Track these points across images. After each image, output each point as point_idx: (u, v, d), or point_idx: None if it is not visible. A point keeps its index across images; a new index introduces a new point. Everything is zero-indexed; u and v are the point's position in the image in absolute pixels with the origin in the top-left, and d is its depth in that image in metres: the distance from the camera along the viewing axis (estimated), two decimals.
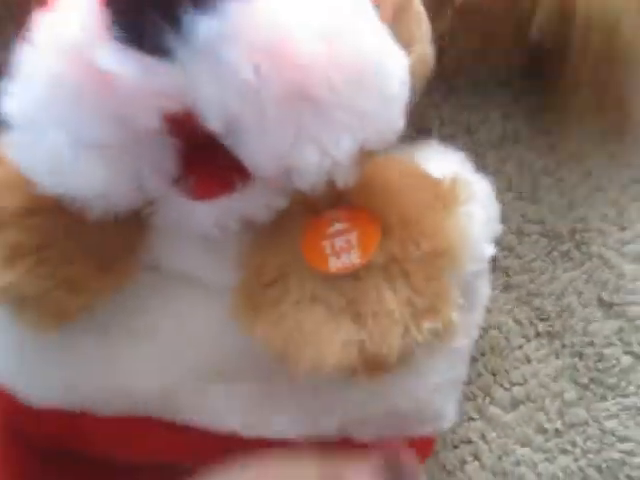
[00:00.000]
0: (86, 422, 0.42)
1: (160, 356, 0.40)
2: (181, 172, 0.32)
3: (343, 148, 0.31)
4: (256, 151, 0.31)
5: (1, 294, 0.37)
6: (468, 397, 0.50)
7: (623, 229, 0.49)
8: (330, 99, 0.30)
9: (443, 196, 0.37)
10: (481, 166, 0.41)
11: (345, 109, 0.31)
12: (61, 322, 0.38)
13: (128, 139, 0.31)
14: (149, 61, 0.29)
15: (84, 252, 0.37)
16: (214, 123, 0.29)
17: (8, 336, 0.43)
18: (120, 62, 0.29)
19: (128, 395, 0.40)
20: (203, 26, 0.28)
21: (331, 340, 0.34)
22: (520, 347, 0.50)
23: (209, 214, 0.35)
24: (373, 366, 0.35)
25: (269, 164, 0.31)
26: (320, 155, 0.31)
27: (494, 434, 0.50)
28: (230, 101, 0.29)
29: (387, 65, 0.32)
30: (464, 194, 0.37)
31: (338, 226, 0.36)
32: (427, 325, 0.34)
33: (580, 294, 0.50)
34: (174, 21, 0.28)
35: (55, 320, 0.38)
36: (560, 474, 0.49)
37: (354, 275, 0.35)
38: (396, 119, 0.33)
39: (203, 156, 0.32)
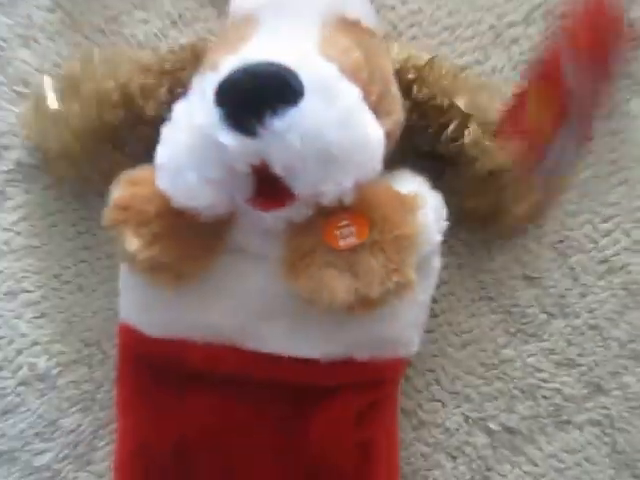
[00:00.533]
0: (187, 347, 0.60)
1: (235, 304, 0.59)
2: (256, 194, 0.54)
3: (347, 183, 0.53)
4: (300, 184, 0.52)
5: (143, 264, 0.57)
6: (432, 340, 0.71)
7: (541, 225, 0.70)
8: (342, 158, 0.52)
9: (408, 204, 0.57)
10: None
11: (349, 163, 0.52)
12: (176, 283, 0.58)
13: (229, 177, 0.53)
14: (244, 138, 0.50)
15: (194, 239, 0.57)
16: (278, 169, 0.51)
17: (136, 291, 0.63)
18: (229, 137, 0.51)
19: (215, 329, 0.60)
20: (274, 122, 0.49)
21: (339, 287, 0.54)
22: (467, 307, 0.71)
23: (269, 219, 0.56)
24: (364, 304, 0.54)
25: (307, 192, 0.53)
26: (335, 187, 0.52)
27: (450, 366, 0.71)
28: (287, 159, 0.51)
29: (372, 136, 0.53)
30: (421, 202, 0.57)
31: (344, 222, 0.55)
32: (395, 279, 0.54)
33: (509, 270, 0.70)
34: (259, 118, 0.50)
35: (173, 281, 0.58)
36: (495, 394, 0.70)
37: (352, 250, 0.55)
38: (377, 165, 0.54)
39: (268, 186, 0.53)
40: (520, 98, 0.67)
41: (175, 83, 0.68)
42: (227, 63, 0.55)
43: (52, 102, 0.68)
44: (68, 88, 0.69)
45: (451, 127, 0.64)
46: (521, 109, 0.66)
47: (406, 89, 0.65)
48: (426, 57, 0.66)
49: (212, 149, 0.53)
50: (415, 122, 0.65)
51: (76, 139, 0.67)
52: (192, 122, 0.54)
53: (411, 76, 0.65)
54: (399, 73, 0.65)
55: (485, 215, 0.68)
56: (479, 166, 0.64)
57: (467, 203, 0.66)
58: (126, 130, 0.67)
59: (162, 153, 0.56)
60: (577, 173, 0.71)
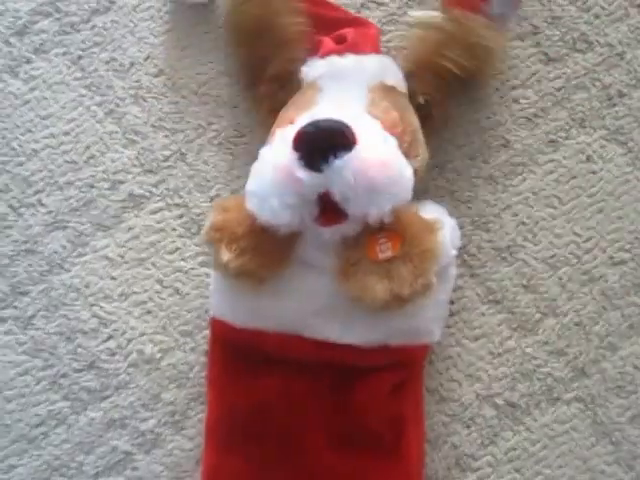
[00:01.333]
0: (263, 335, 0.72)
1: (300, 302, 0.71)
2: (319, 214, 0.66)
3: (386, 208, 0.65)
4: (352, 208, 0.64)
5: (233, 271, 0.68)
6: (450, 333, 0.80)
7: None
8: (383, 189, 0.64)
9: (430, 226, 0.69)
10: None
11: (388, 193, 0.65)
12: (257, 286, 0.70)
13: (302, 202, 0.65)
14: (313, 174, 0.64)
15: (271, 253, 0.69)
16: (337, 197, 0.64)
17: (226, 293, 0.73)
18: (302, 173, 0.64)
19: (284, 321, 0.71)
20: (335, 163, 0.63)
21: (378, 289, 0.66)
22: (478, 307, 0.80)
23: (328, 233, 0.68)
24: (397, 301, 0.66)
25: (357, 213, 0.65)
26: (377, 210, 0.65)
27: (464, 354, 0.80)
28: (344, 189, 0.64)
29: (405, 174, 0.66)
30: (440, 225, 0.69)
31: (382, 240, 0.67)
32: (421, 282, 0.66)
33: (511, 279, 0.80)
34: (325, 159, 0.63)
35: (254, 283, 0.69)
36: (501, 376, 0.79)
37: (389, 260, 0.66)
38: (408, 195, 0.67)
39: (329, 208, 0.65)
40: None
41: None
42: (301, 119, 0.67)
43: None
44: None
45: None
46: None
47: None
48: None
49: (290, 181, 0.64)
50: None
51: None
52: (276, 161, 0.66)
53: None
54: None
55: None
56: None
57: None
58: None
59: (252, 183, 0.68)
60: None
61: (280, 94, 0.78)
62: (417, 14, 0.82)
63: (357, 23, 0.82)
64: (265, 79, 0.79)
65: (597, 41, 0.84)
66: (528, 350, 0.81)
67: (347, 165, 0.63)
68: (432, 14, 0.80)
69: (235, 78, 0.85)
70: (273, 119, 0.77)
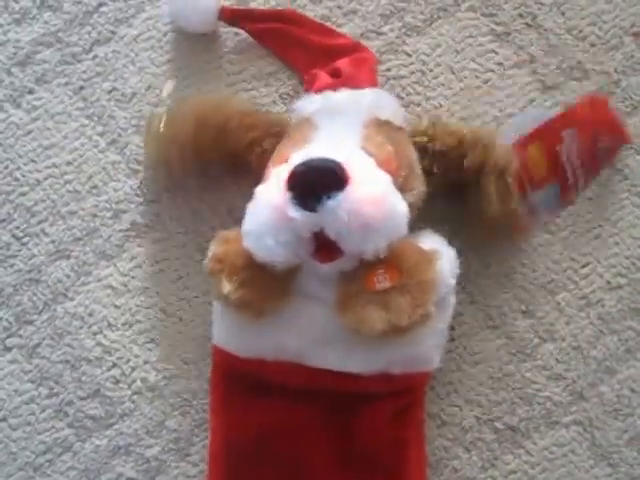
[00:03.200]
0: (264, 364, 0.71)
1: (301, 332, 0.70)
2: (315, 252, 0.66)
3: (381, 244, 0.65)
4: (347, 245, 0.65)
5: (234, 302, 0.68)
6: (450, 359, 0.80)
7: None
8: (377, 227, 0.64)
9: (428, 256, 0.68)
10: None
11: (382, 230, 0.65)
12: (258, 317, 0.69)
13: (296, 240, 0.65)
14: (307, 213, 0.63)
15: (271, 284, 0.68)
16: (331, 235, 0.64)
17: (227, 323, 0.74)
18: (296, 213, 0.63)
19: (285, 351, 0.71)
20: (328, 202, 0.63)
21: (376, 320, 0.65)
22: (478, 333, 0.81)
23: (325, 268, 0.67)
24: (395, 331, 0.65)
25: (352, 250, 0.65)
26: (373, 247, 0.65)
27: (465, 379, 0.81)
28: (338, 228, 0.64)
29: (399, 210, 0.67)
30: (438, 255, 0.69)
31: (380, 271, 0.66)
32: (419, 312, 0.66)
33: (510, 305, 0.81)
34: (318, 199, 0.63)
35: (255, 316, 0.69)
36: (500, 400, 0.80)
37: (386, 291, 0.66)
38: (403, 230, 0.67)
39: (325, 246, 0.65)
40: (526, 139, 0.78)
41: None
42: (294, 158, 0.68)
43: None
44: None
45: (469, 157, 0.75)
46: (524, 147, 0.78)
47: (422, 151, 0.76)
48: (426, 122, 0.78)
49: (284, 220, 0.65)
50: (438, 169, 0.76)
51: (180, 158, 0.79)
52: (270, 201, 0.66)
53: (424, 139, 0.76)
54: (422, 133, 0.77)
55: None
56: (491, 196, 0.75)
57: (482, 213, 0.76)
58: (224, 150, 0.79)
59: (247, 223, 0.69)
60: (554, 226, 0.82)
61: (266, 153, 0.78)
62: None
63: (354, 50, 0.83)
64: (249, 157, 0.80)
65: (593, 69, 0.85)
66: (527, 374, 0.82)
67: (340, 205, 0.64)
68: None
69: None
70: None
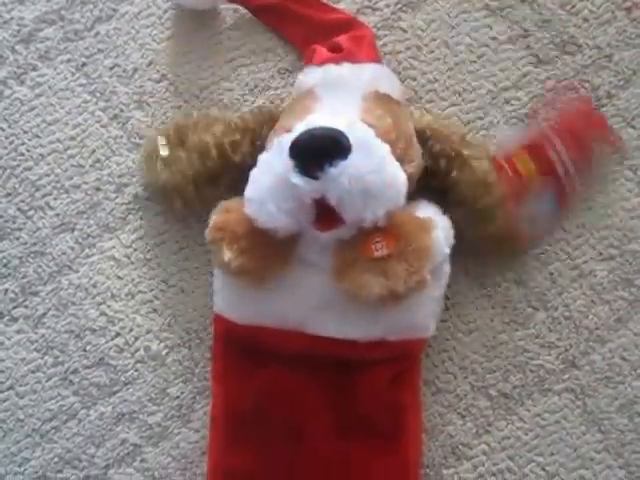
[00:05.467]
0: (264, 332, 0.73)
1: (299, 299, 0.72)
2: (316, 219, 0.68)
3: (380, 212, 0.67)
4: (348, 213, 0.67)
5: (234, 270, 0.69)
6: (445, 327, 0.82)
7: None
8: (377, 194, 0.66)
9: (424, 225, 0.70)
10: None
11: (382, 198, 0.67)
12: (258, 284, 0.71)
13: (298, 207, 0.67)
14: (309, 180, 0.66)
15: (271, 252, 0.70)
16: (332, 202, 0.66)
17: (228, 291, 0.75)
18: (299, 180, 0.66)
19: (284, 318, 0.73)
20: (330, 169, 0.65)
21: (374, 285, 0.67)
22: (472, 302, 0.82)
23: (325, 236, 0.69)
24: (393, 297, 0.67)
25: (352, 218, 0.67)
26: (372, 215, 0.67)
27: (459, 347, 0.82)
28: (339, 195, 0.65)
29: (398, 179, 0.68)
30: (433, 224, 0.70)
31: (378, 239, 0.68)
32: (415, 278, 0.67)
33: (504, 275, 0.82)
34: (320, 167, 0.65)
35: (255, 283, 0.71)
36: (494, 368, 0.81)
37: (383, 259, 0.68)
38: (402, 199, 0.69)
39: (325, 212, 0.67)
40: (517, 151, 0.79)
41: (255, 137, 0.80)
42: (297, 127, 0.69)
43: (163, 151, 0.80)
44: (175, 140, 0.81)
45: (454, 172, 0.77)
46: (514, 157, 0.79)
47: (423, 142, 0.78)
48: (438, 123, 0.80)
49: (287, 187, 0.67)
50: (428, 164, 0.78)
51: (183, 178, 0.79)
52: (272, 169, 0.68)
53: (428, 133, 0.78)
54: (419, 132, 0.78)
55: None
56: (471, 201, 0.76)
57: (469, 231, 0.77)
58: (220, 172, 0.80)
59: (250, 189, 0.70)
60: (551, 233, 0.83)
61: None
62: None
63: (352, 26, 0.84)
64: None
65: (586, 43, 0.86)
66: (520, 343, 0.83)
67: (342, 172, 0.66)
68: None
69: (235, 83, 0.88)
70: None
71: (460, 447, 0.83)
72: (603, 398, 0.82)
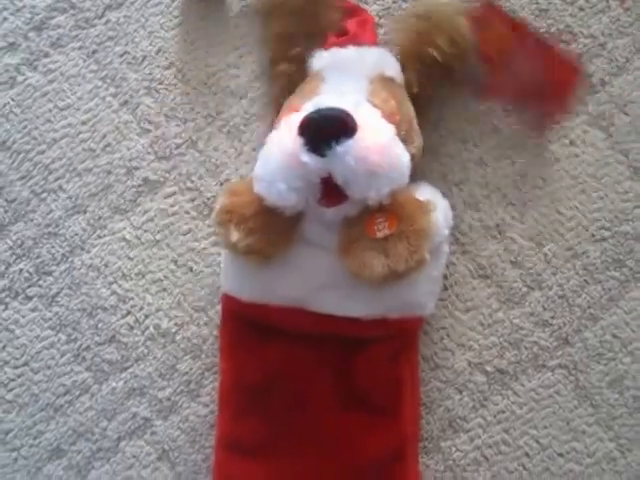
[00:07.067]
0: (269, 309, 0.75)
1: (303, 278, 0.74)
2: (321, 196, 0.69)
3: (384, 191, 0.68)
4: (353, 190, 0.68)
5: (241, 250, 0.71)
6: (444, 306, 0.84)
7: None
8: (381, 173, 0.67)
9: (424, 207, 0.71)
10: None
11: (386, 177, 0.68)
12: (264, 263, 0.73)
13: (306, 185, 0.68)
14: (317, 158, 0.67)
15: (276, 232, 0.72)
16: (338, 180, 0.67)
17: (235, 270, 0.77)
18: (307, 157, 0.67)
19: (289, 296, 0.74)
20: (337, 148, 0.66)
21: (376, 264, 0.69)
22: (469, 282, 0.84)
23: (330, 214, 0.71)
24: (393, 276, 0.69)
25: (357, 195, 0.68)
26: (376, 193, 0.68)
27: (457, 325, 0.84)
28: (345, 173, 0.67)
29: (402, 159, 0.70)
30: (433, 206, 0.72)
31: (380, 219, 0.70)
32: (415, 257, 0.69)
33: (500, 256, 0.84)
34: (328, 145, 0.66)
35: (261, 261, 0.73)
36: (490, 345, 0.83)
37: (385, 238, 0.69)
38: (405, 178, 0.70)
39: (331, 190, 0.68)
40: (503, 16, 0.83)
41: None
42: (306, 107, 0.70)
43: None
44: None
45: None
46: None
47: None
48: None
49: (296, 165, 0.68)
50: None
51: None
52: (282, 147, 0.69)
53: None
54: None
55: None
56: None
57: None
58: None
59: (260, 167, 0.71)
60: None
61: (297, 75, 0.80)
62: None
63: (355, 13, 0.86)
64: (288, 58, 0.82)
65: (581, 32, 0.88)
66: (515, 321, 0.85)
67: (348, 150, 0.67)
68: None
69: (242, 70, 0.89)
70: (283, 99, 0.81)
71: (457, 420, 0.85)
72: (595, 374, 0.84)
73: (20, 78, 0.91)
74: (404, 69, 0.81)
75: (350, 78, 0.77)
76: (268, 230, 0.72)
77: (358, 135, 0.67)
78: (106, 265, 0.88)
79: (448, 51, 0.79)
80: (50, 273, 0.89)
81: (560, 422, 0.84)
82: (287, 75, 0.81)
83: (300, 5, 0.79)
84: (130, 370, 0.87)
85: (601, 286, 0.85)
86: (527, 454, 0.85)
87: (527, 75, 0.82)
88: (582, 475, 0.84)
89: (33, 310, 0.89)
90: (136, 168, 0.89)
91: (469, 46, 0.80)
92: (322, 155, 0.67)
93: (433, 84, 0.82)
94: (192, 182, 0.89)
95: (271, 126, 0.79)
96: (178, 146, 0.89)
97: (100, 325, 0.88)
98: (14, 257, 0.90)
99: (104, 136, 0.90)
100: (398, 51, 0.81)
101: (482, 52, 0.81)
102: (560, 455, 0.84)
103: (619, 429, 0.84)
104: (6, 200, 0.90)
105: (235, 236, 0.72)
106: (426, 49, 0.79)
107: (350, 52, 0.79)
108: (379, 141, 0.69)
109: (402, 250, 0.70)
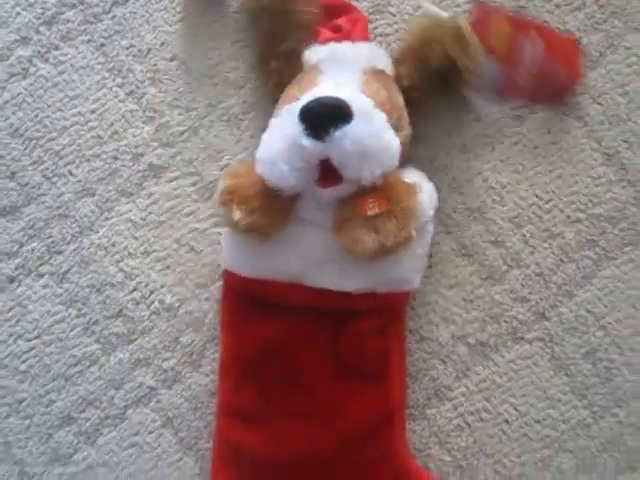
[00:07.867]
0: (267, 284, 0.78)
1: (300, 254, 0.77)
2: (319, 177, 0.72)
3: (377, 173, 0.71)
4: (348, 172, 0.71)
5: (243, 228, 0.74)
6: (429, 283, 0.87)
7: None
8: (374, 157, 0.71)
9: (411, 188, 0.74)
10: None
11: (379, 160, 0.71)
12: (262, 238, 0.76)
13: (306, 167, 0.71)
14: (316, 142, 0.70)
15: (275, 211, 0.74)
16: (335, 162, 0.70)
17: (236, 247, 0.80)
18: (307, 141, 0.70)
19: (287, 271, 0.77)
20: (335, 133, 0.69)
21: (367, 241, 0.71)
22: (453, 260, 0.87)
23: (326, 194, 0.74)
24: (384, 251, 0.72)
25: (352, 177, 0.71)
26: (369, 174, 0.71)
27: (441, 300, 0.87)
28: (341, 156, 0.70)
29: (393, 144, 0.73)
30: (419, 188, 0.75)
31: (371, 200, 0.72)
32: (402, 234, 0.71)
33: (482, 236, 0.87)
34: (326, 130, 0.69)
35: (260, 237, 0.75)
36: (472, 319, 0.87)
37: (375, 216, 0.72)
38: (395, 162, 0.73)
39: (328, 172, 0.71)
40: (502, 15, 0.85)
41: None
42: (305, 96, 0.74)
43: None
44: None
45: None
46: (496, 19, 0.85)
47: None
48: None
49: (296, 149, 0.71)
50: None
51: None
52: (283, 132, 0.73)
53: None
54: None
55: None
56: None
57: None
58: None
59: (262, 151, 0.74)
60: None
61: (287, 70, 0.84)
62: (429, 7, 0.90)
63: (349, 10, 0.90)
64: (276, 55, 0.85)
65: (558, 28, 0.91)
66: (496, 297, 0.88)
67: (345, 135, 0.70)
68: (441, 13, 0.88)
69: (241, 62, 0.92)
70: (278, 93, 0.84)
71: (442, 389, 0.88)
72: (570, 346, 0.87)
73: (32, 69, 0.94)
74: (401, 63, 0.84)
75: (345, 70, 0.80)
76: (268, 210, 0.75)
77: (354, 121, 0.71)
78: (113, 245, 0.90)
79: (450, 57, 0.83)
80: (61, 252, 0.91)
81: (537, 391, 0.87)
82: (278, 71, 0.85)
83: (278, 5, 0.84)
84: (136, 342, 0.90)
85: (576, 265, 0.88)
86: (507, 421, 0.87)
87: (539, 61, 0.85)
88: (558, 440, 0.87)
89: (45, 287, 0.92)
90: (141, 154, 0.91)
91: (476, 47, 0.83)
92: (321, 139, 0.70)
93: (430, 80, 0.84)
94: (194, 167, 0.91)
95: (270, 114, 0.82)
96: (181, 133, 0.91)
97: (108, 301, 0.90)
98: (27, 237, 0.92)
99: (111, 124, 0.92)
100: (402, 47, 0.85)
101: (492, 52, 0.84)
102: (537, 422, 0.87)
103: (592, 397, 0.87)
104: (19, 184, 0.93)
105: (237, 215, 0.75)
106: (427, 47, 0.83)
107: (345, 46, 0.83)
108: (372, 127, 0.72)
109: (391, 227, 0.73)
